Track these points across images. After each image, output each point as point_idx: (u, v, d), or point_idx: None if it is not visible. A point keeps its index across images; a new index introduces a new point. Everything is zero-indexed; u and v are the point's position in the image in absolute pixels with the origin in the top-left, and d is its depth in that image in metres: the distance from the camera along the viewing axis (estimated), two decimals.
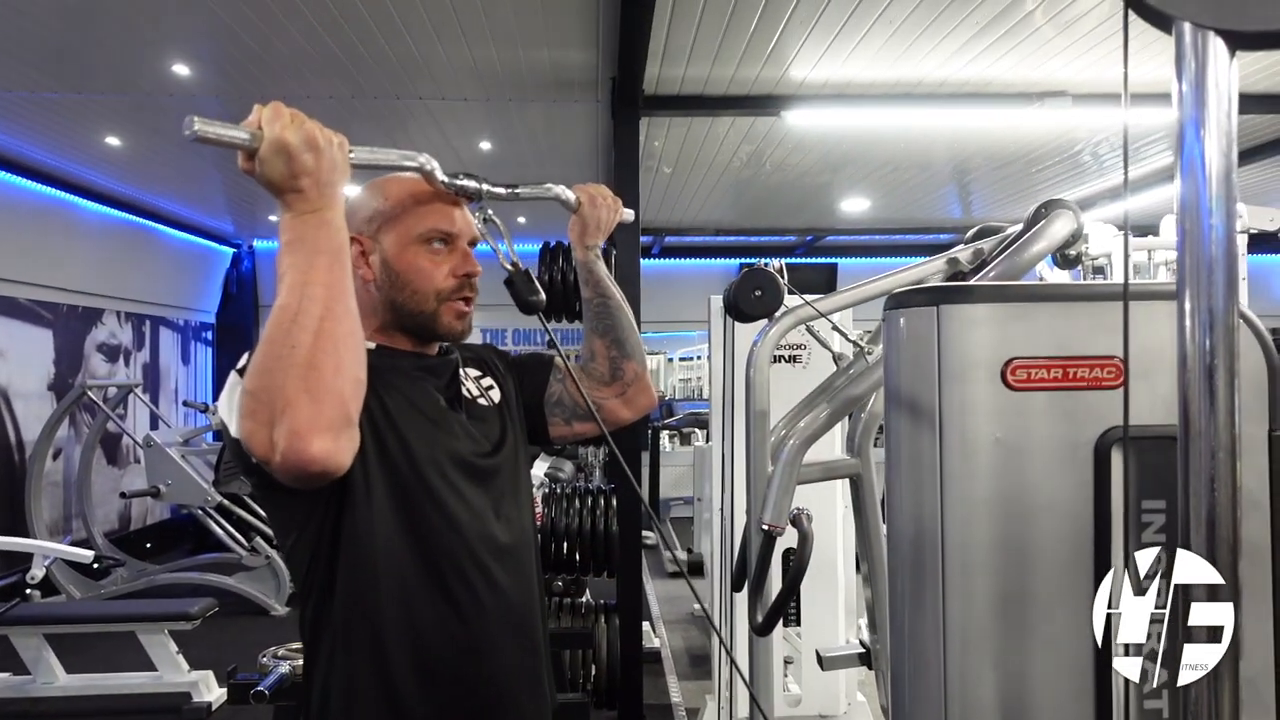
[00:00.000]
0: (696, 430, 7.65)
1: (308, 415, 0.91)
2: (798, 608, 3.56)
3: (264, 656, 2.67)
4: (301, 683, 1.22)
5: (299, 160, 0.94)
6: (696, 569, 6.14)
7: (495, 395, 1.37)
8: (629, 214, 1.58)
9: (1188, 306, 0.87)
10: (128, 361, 7.77)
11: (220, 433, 5.87)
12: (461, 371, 1.32)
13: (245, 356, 1.08)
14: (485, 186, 1.25)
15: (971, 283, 1.66)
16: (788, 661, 3.84)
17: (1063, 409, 1.21)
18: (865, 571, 2.18)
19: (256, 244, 9.61)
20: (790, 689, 3.74)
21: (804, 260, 9.72)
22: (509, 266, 1.24)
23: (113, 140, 5.53)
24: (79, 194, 6.75)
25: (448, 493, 1.17)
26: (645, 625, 4.76)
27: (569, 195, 1.45)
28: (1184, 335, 0.88)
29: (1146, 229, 3.25)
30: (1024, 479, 1.20)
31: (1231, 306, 0.87)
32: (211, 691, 4.16)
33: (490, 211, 1.27)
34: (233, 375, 1.07)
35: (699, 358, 9.61)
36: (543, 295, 1.29)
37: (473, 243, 1.28)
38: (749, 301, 1.89)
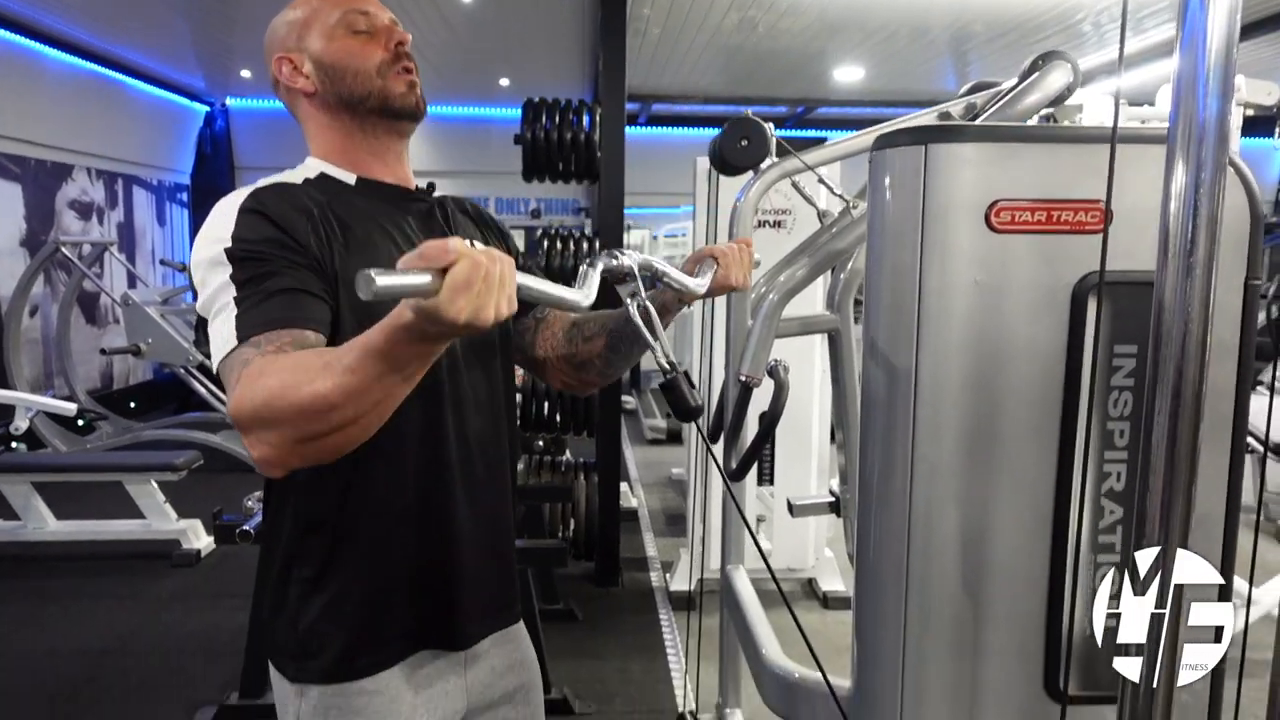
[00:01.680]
0: None
1: (292, 452, 0.89)
2: (772, 466, 3.67)
3: (249, 500, 2.73)
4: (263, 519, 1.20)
5: (464, 329, 0.79)
6: (674, 436, 6.27)
7: None
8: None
9: (1177, 148, 0.86)
10: (101, 220, 7.61)
11: None
12: (455, 222, 1.26)
13: (231, 219, 1.03)
14: (635, 266, 1.10)
15: (960, 122, 1.64)
16: (760, 520, 3.98)
17: (1043, 253, 1.21)
18: (836, 422, 2.23)
19: (230, 102, 9.27)
20: (762, 544, 3.90)
21: (794, 133, 9.53)
22: (665, 366, 1.08)
23: None
24: (44, 41, 6.45)
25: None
26: (624, 486, 4.90)
27: (711, 271, 1.29)
28: (1170, 178, 0.87)
29: (1143, 100, 3.18)
30: (1000, 321, 1.22)
31: (1222, 152, 0.86)
32: (200, 539, 4.28)
33: (644, 296, 1.10)
34: (217, 250, 1.02)
35: (684, 235, 9.51)
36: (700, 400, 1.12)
37: (391, 21, 1.21)
38: (735, 151, 1.85)
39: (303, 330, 0.98)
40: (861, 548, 1.40)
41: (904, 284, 1.24)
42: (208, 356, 1.07)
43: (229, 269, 1.01)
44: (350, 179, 1.17)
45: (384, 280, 0.69)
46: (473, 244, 1.22)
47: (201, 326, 1.21)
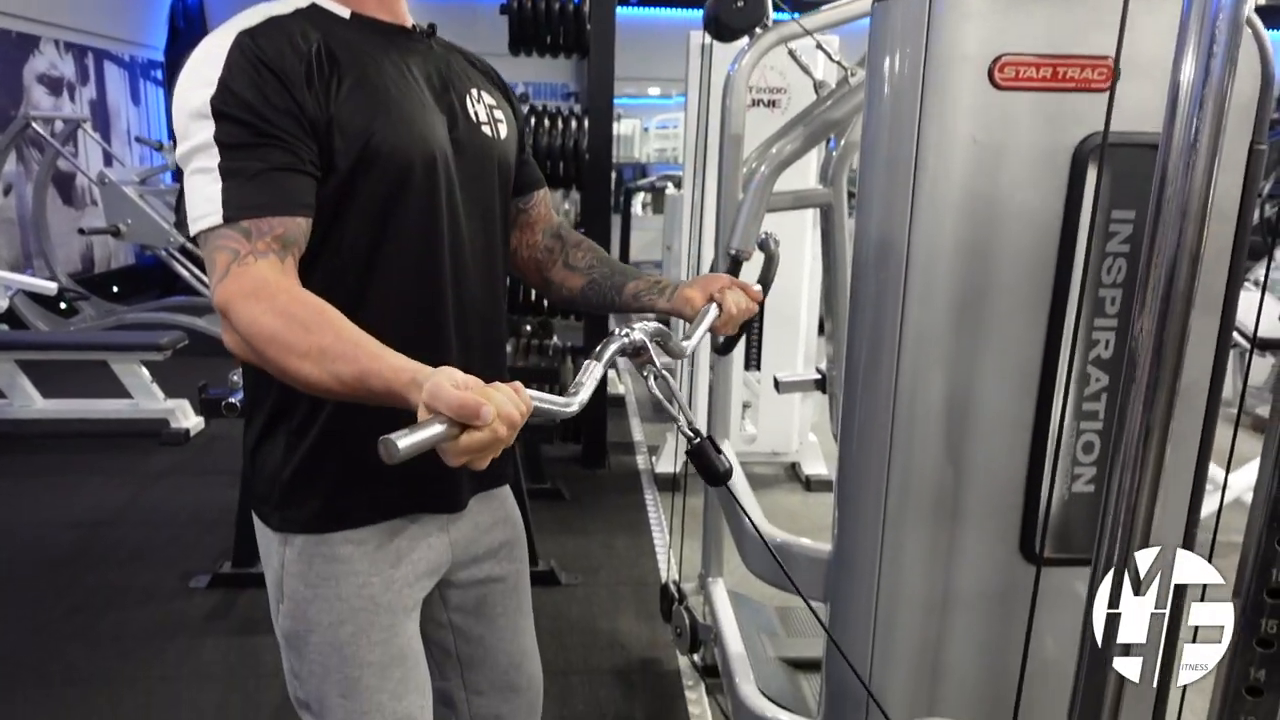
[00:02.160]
0: (670, 185, 7.54)
1: (260, 365, 0.92)
2: (759, 351, 3.68)
3: (234, 374, 2.72)
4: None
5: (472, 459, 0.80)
6: (664, 325, 6.27)
7: (503, 131, 1.21)
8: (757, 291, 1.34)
9: (1192, 14, 0.81)
10: (73, 96, 7.34)
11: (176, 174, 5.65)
12: (474, 90, 1.18)
13: (220, 60, 0.96)
14: (647, 339, 1.07)
15: None
16: (746, 405, 4.02)
17: (1045, 112, 1.17)
18: (825, 307, 2.22)
19: None
20: (747, 429, 3.95)
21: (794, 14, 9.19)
22: (689, 434, 1.06)
23: None
24: None
25: (434, 198, 1.08)
26: (611, 374, 4.93)
27: (714, 317, 1.24)
28: (1185, 32, 0.83)
29: None
30: (997, 182, 1.19)
31: (1238, 18, 0.82)
32: (189, 418, 4.29)
33: (660, 367, 1.08)
34: (202, 97, 0.95)
35: (676, 126, 9.29)
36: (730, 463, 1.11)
37: None
38: (731, 12, 1.77)
39: (293, 217, 0.96)
40: (847, 415, 1.40)
41: (901, 143, 1.21)
42: (190, 240, 1.03)
43: (213, 125, 0.94)
44: (344, 13, 1.08)
45: (405, 444, 0.74)
46: (493, 109, 1.18)
47: (179, 206, 1.15)
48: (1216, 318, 1.22)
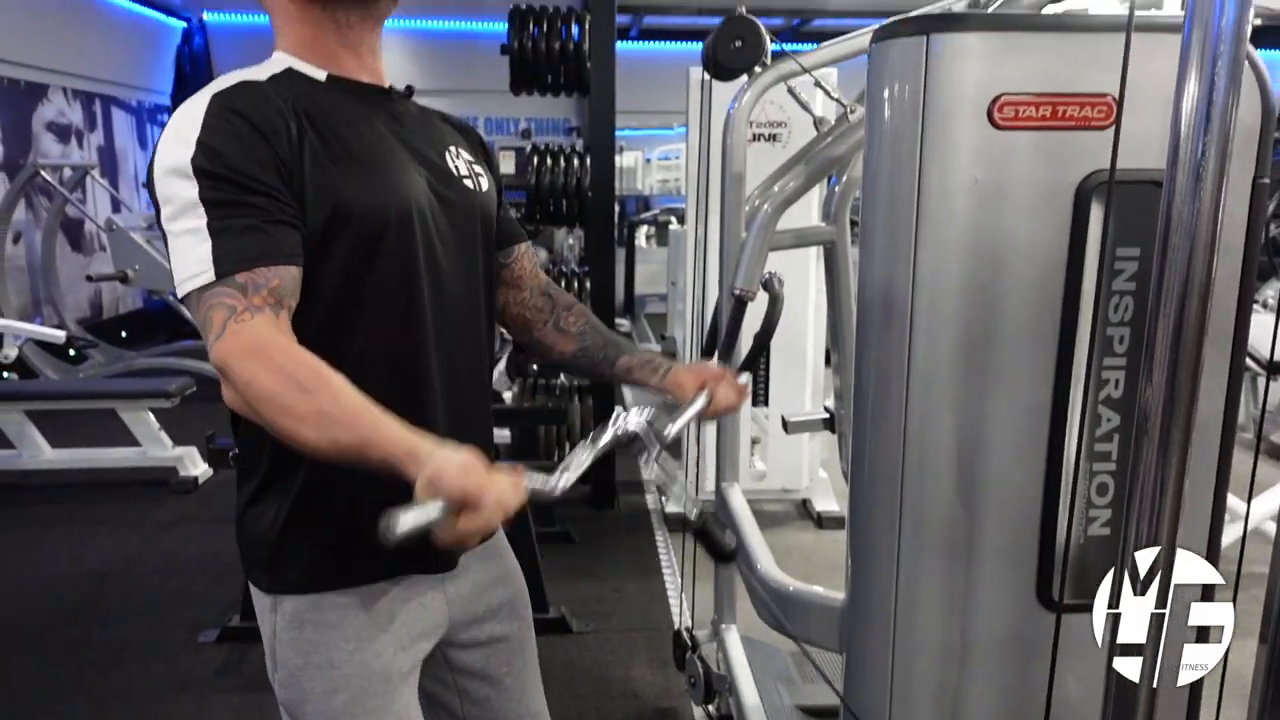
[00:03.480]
0: (674, 220, 7.57)
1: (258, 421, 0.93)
2: (766, 387, 3.65)
3: None
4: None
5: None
6: (670, 356, 6.26)
7: (484, 184, 1.21)
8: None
9: (1193, 39, 0.81)
10: (81, 143, 7.43)
11: None
12: (452, 148, 1.19)
13: (197, 122, 0.96)
14: (640, 429, 1.10)
15: (964, 11, 1.56)
16: (755, 441, 3.99)
17: (1047, 150, 1.16)
18: (831, 341, 2.21)
19: (207, 17, 8.96)
20: (756, 465, 3.91)
21: (790, 46, 9.27)
22: (693, 517, 1.09)
23: None
24: None
25: (415, 247, 1.07)
26: (618, 409, 4.91)
27: (702, 406, 1.26)
28: (1184, 70, 0.82)
29: None
30: (1001, 222, 1.17)
31: (1240, 50, 0.81)
32: (197, 466, 4.28)
33: (656, 455, 1.11)
34: (183, 156, 0.95)
35: (678, 157, 9.34)
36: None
37: None
38: (729, 53, 1.78)
39: (285, 266, 0.96)
40: (856, 456, 1.38)
41: (902, 184, 1.20)
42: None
43: (196, 185, 0.94)
44: (320, 75, 1.08)
45: (403, 529, 0.77)
46: (472, 164, 1.17)
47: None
48: (1228, 350, 1.20)
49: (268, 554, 1.08)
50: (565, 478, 0.93)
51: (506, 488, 0.82)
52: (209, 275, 0.93)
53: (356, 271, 1.03)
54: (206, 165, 0.94)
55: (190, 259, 0.94)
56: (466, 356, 1.15)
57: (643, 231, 8.74)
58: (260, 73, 1.06)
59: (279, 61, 1.09)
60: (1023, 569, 1.26)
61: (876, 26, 1.71)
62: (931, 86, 1.16)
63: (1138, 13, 1.01)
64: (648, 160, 9.60)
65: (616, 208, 5.27)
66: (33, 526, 3.81)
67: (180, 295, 0.96)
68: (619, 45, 3.70)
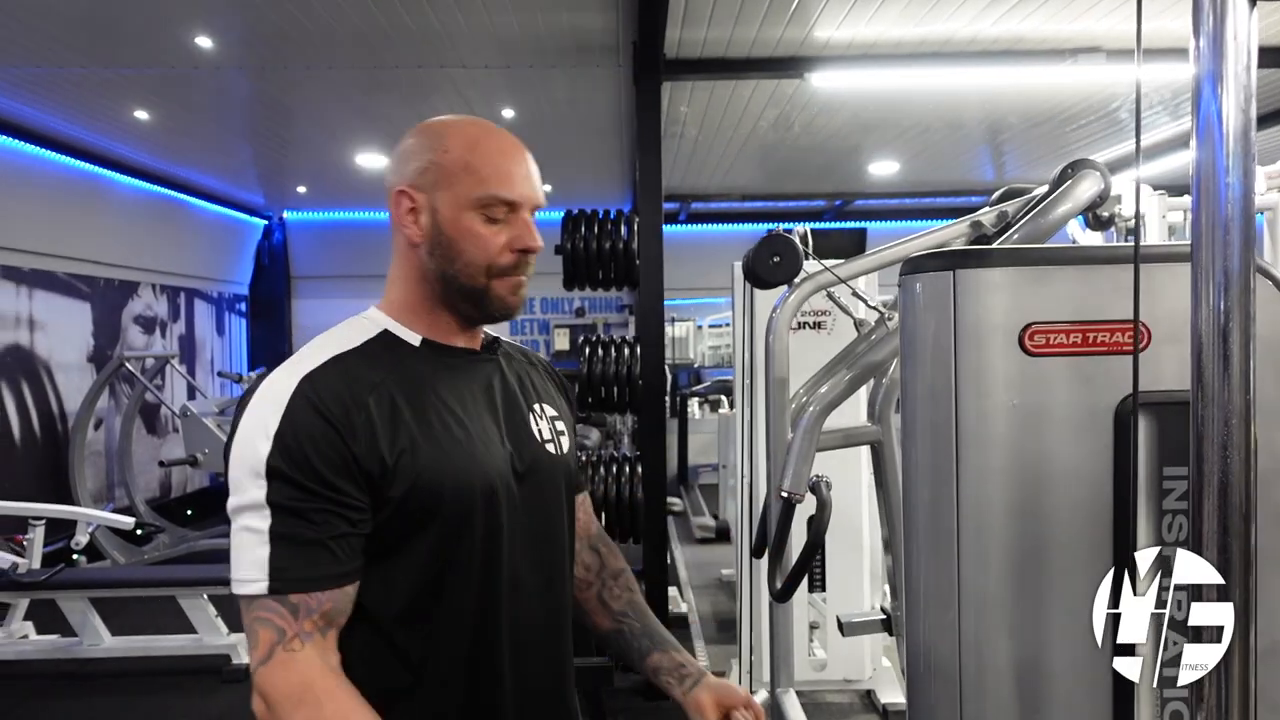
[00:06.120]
0: (724, 397, 7.65)
1: None
2: (823, 573, 3.57)
3: None
4: None
5: None
6: (724, 534, 6.17)
7: (565, 444, 1.20)
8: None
9: (1202, 267, 0.84)
10: (164, 333, 7.91)
11: None
12: (537, 406, 1.18)
13: (279, 411, 0.97)
14: None
15: (988, 247, 1.64)
16: (814, 627, 3.85)
17: (1082, 374, 1.19)
18: (887, 537, 2.18)
19: (287, 215, 9.70)
20: (816, 654, 3.76)
21: (833, 225, 9.60)
22: None
23: (141, 114, 5.58)
24: (111, 168, 6.84)
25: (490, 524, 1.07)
26: (673, 590, 4.81)
27: None
28: (1198, 297, 0.85)
29: (1186, 190, 3.15)
30: (1041, 445, 1.19)
31: (1248, 266, 0.84)
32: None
33: None
34: (259, 452, 0.96)
35: (729, 324, 9.54)
36: None
37: (534, 209, 1.11)
38: (767, 268, 1.87)
39: (340, 588, 0.97)
40: (912, 682, 1.34)
41: (940, 408, 1.23)
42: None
43: (266, 485, 0.95)
44: (415, 340, 1.08)
45: None
46: (554, 421, 1.20)
47: None
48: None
49: None
50: None
51: None
52: (262, 585, 0.93)
53: (435, 555, 1.03)
54: (280, 466, 0.95)
55: (246, 560, 0.95)
56: (541, 632, 1.14)
57: (695, 400, 8.83)
58: (354, 336, 1.07)
59: (376, 321, 1.09)
60: None
61: (908, 243, 1.80)
62: (961, 316, 1.20)
63: (1156, 244, 1.06)
64: (699, 327, 9.78)
65: (669, 377, 5.37)
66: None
67: (234, 592, 0.97)
68: (668, 229, 3.89)
